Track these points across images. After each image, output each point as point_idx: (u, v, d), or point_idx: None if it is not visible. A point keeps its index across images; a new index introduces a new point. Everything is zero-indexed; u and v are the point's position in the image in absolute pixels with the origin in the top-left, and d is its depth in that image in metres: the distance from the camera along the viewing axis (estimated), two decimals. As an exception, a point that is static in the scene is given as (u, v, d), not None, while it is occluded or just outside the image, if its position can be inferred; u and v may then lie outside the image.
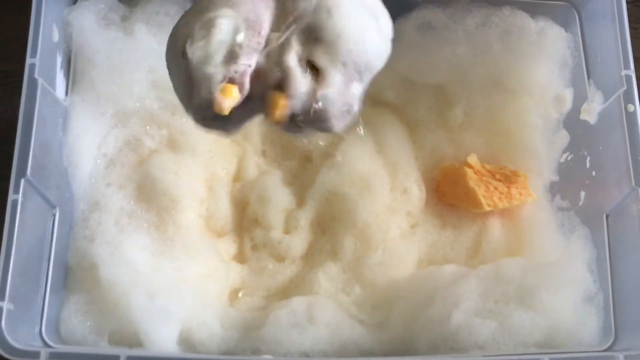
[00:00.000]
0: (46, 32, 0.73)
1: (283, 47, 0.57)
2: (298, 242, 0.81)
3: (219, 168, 0.82)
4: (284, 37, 0.57)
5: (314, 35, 0.56)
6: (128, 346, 0.70)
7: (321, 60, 0.56)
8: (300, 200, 0.83)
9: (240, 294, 0.79)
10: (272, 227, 0.81)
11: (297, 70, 0.56)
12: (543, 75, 0.84)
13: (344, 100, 0.58)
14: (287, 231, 0.82)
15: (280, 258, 0.81)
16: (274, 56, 0.56)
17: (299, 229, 0.81)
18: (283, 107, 0.56)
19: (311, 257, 0.81)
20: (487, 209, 0.81)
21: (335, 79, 0.57)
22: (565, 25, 0.85)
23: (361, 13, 0.58)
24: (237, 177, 0.84)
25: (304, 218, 0.81)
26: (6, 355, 0.63)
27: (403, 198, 0.82)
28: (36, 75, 0.71)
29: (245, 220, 0.82)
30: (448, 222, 0.84)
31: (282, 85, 0.56)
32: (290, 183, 0.84)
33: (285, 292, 0.79)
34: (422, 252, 0.82)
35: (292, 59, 0.56)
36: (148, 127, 0.81)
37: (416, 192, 0.83)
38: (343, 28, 0.57)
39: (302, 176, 0.84)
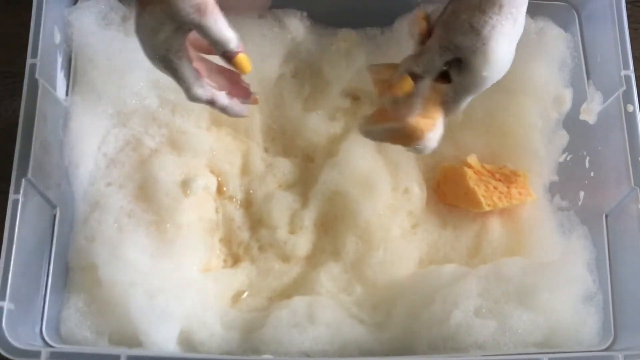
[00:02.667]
0: (47, 32, 0.73)
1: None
2: (303, 242, 0.81)
3: (225, 164, 0.83)
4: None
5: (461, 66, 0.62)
6: (128, 346, 0.70)
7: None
8: (304, 200, 0.83)
9: (244, 295, 0.79)
10: (277, 226, 0.81)
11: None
12: (543, 75, 0.84)
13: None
14: (292, 231, 0.82)
15: (286, 258, 0.81)
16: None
17: (303, 229, 0.81)
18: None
19: (314, 257, 0.81)
20: (487, 208, 0.81)
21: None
22: (565, 25, 0.86)
23: (510, 51, 0.63)
24: (245, 171, 0.84)
25: (308, 218, 0.82)
26: (7, 355, 0.63)
27: (404, 198, 0.82)
28: (37, 76, 0.71)
29: (250, 220, 0.82)
30: (449, 222, 0.84)
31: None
32: (293, 183, 0.84)
33: (288, 292, 0.79)
34: (423, 251, 0.82)
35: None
36: (148, 127, 0.81)
37: (417, 192, 0.83)
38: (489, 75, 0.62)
39: (304, 176, 0.85)
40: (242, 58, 0.61)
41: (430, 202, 0.84)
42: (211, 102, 0.66)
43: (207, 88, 0.65)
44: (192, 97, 0.65)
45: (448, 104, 0.65)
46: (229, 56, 0.61)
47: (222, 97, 0.67)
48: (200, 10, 0.58)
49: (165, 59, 0.61)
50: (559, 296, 0.73)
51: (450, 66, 0.63)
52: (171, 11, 0.58)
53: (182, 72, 0.63)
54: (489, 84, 0.63)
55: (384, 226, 0.80)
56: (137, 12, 0.60)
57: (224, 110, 0.68)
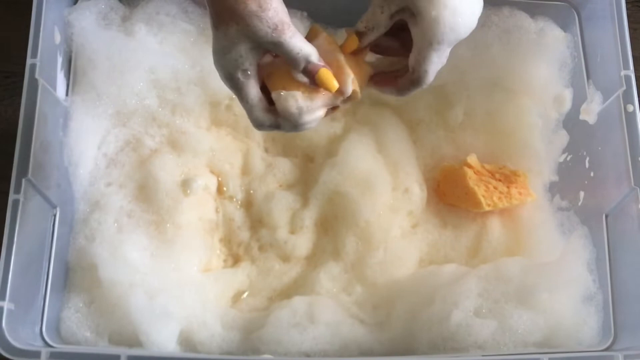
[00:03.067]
0: (47, 32, 0.73)
1: None
2: (303, 242, 0.81)
3: (225, 164, 0.83)
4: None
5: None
6: (128, 346, 0.70)
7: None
8: (304, 200, 0.83)
9: (244, 295, 0.79)
10: (277, 226, 0.81)
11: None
12: (542, 75, 0.84)
13: None
14: (292, 231, 0.82)
15: (286, 258, 0.81)
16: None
17: (304, 229, 0.81)
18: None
19: (314, 257, 0.81)
20: (487, 208, 0.81)
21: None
22: (565, 25, 0.86)
23: None
24: (245, 171, 0.84)
25: (309, 218, 0.82)
26: (7, 355, 0.63)
27: (404, 198, 0.82)
28: (37, 76, 0.71)
29: (250, 220, 0.82)
30: (449, 222, 0.84)
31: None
32: (294, 183, 0.84)
33: (288, 292, 0.79)
34: (423, 251, 0.82)
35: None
36: (148, 127, 0.81)
37: (417, 192, 0.83)
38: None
39: (304, 176, 0.85)
40: (326, 72, 0.60)
41: (431, 202, 0.84)
42: (277, 127, 0.63)
43: (273, 114, 0.62)
44: (254, 121, 0.62)
45: (416, 71, 0.62)
46: (311, 71, 0.60)
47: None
48: (278, 29, 0.57)
49: (232, 78, 0.60)
50: (559, 296, 0.73)
51: (406, 26, 0.61)
52: (248, 32, 0.57)
53: (247, 92, 0.60)
54: (446, 30, 0.59)
55: (384, 226, 0.80)
56: (213, 34, 0.59)
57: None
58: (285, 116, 0.61)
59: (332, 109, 0.63)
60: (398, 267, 0.80)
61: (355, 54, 0.63)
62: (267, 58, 0.61)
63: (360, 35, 0.62)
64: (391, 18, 0.61)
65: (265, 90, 0.62)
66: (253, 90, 0.61)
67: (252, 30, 0.57)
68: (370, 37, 0.62)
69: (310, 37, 0.62)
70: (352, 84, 0.61)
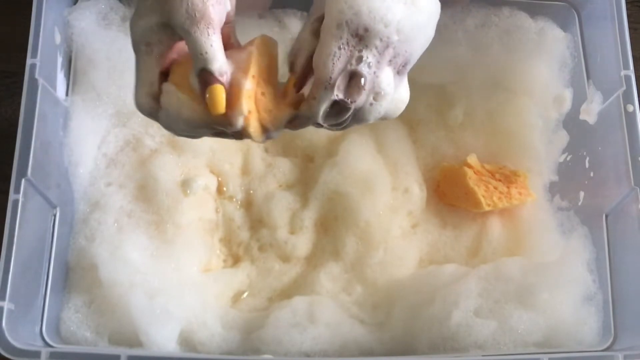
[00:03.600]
0: (47, 32, 0.73)
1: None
2: (303, 242, 0.81)
3: (225, 164, 0.83)
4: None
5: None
6: (128, 346, 0.70)
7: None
8: (304, 200, 0.83)
9: (244, 295, 0.79)
10: (277, 226, 0.81)
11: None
12: (543, 75, 0.84)
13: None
14: (292, 231, 0.82)
15: (286, 258, 0.81)
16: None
17: (303, 229, 0.81)
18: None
19: (314, 258, 0.81)
20: (487, 208, 0.81)
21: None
22: (565, 25, 0.86)
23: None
24: (245, 171, 0.84)
25: (309, 218, 0.82)
26: (7, 355, 0.63)
27: (404, 197, 0.83)
28: (37, 76, 0.71)
29: (250, 220, 0.82)
30: (449, 222, 0.84)
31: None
32: (294, 183, 0.84)
33: (288, 292, 0.79)
34: (423, 251, 0.82)
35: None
36: (148, 127, 0.81)
37: (417, 192, 0.83)
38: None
39: (304, 176, 0.85)
40: (218, 91, 0.52)
41: (431, 202, 0.84)
42: (154, 118, 0.57)
43: (156, 103, 0.56)
44: (136, 99, 0.57)
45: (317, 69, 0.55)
46: (204, 81, 0.53)
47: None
48: (195, 19, 0.52)
49: (136, 47, 0.55)
50: (559, 296, 0.73)
51: None
52: (165, 7, 0.53)
53: (142, 67, 0.56)
54: (345, 7, 0.52)
55: (384, 226, 0.80)
56: None
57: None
58: (163, 114, 0.56)
59: (221, 132, 0.56)
60: (398, 267, 0.80)
61: (283, 95, 0.56)
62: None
63: (292, 67, 0.56)
64: (313, 33, 0.55)
65: (166, 76, 0.56)
66: (149, 68, 0.55)
67: (168, 7, 0.53)
68: (301, 61, 0.56)
69: (244, 47, 0.56)
70: (243, 121, 0.53)
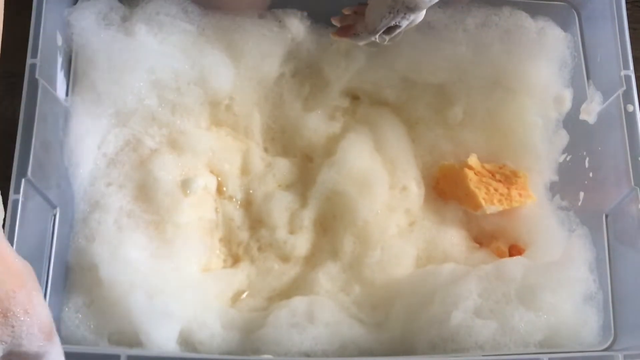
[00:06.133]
0: (47, 32, 0.73)
1: None
2: (302, 242, 0.81)
3: (225, 164, 0.83)
4: None
5: None
6: (128, 346, 0.70)
7: None
8: (303, 199, 0.83)
9: (244, 295, 0.79)
10: (277, 226, 0.81)
11: None
12: (543, 75, 0.84)
13: None
14: (291, 231, 0.82)
15: (285, 258, 0.81)
16: None
17: (303, 228, 0.81)
18: None
19: (313, 257, 0.81)
20: (488, 212, 0.81)
21: None
22: (565, 25, 0.86)
23: None
24: (244, 171, 0.84)
25: (308, 218, 0.82)
26: (7, 355, 0.63)
27: (402, 195, 0.83)
28: (37, 76, 0.71)
29: (249, 220, 0.82)
30: (447, 219, 0.84)
31: None
32: (293, 182, 0.84)
33: (288, 292, 0.79)
34: (420, 249, 0.82)
35: None
36: (148, 127, 0.81)
37: (415, 190, 0.83)
38: None
39: (303, 175, 0.85)
40: None
41: (429, 199, 0.84)
42: None
43: None
44: None
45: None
46: None
47: None
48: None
49: None
50: (559, 296, 0.73)
51: None
52: None
53: None
54: None
55: (381, 225, 0.80)
56: None
57: None
58: None
59: None
60: (396, 266, 0.79)
61: None
62: None
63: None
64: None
65: None
66: None
67: None
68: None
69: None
70: None
